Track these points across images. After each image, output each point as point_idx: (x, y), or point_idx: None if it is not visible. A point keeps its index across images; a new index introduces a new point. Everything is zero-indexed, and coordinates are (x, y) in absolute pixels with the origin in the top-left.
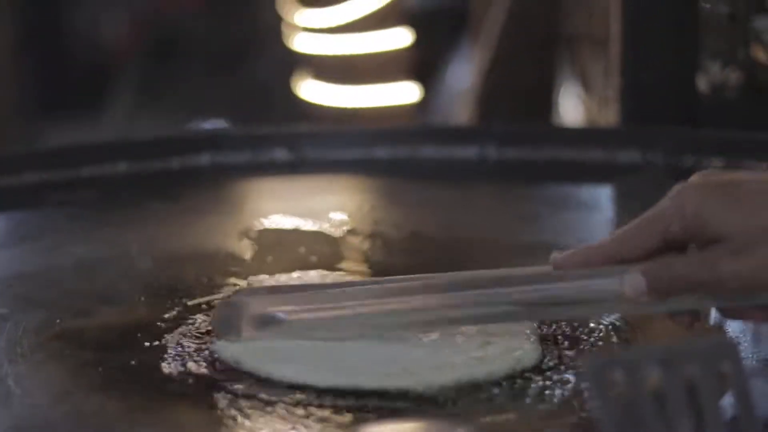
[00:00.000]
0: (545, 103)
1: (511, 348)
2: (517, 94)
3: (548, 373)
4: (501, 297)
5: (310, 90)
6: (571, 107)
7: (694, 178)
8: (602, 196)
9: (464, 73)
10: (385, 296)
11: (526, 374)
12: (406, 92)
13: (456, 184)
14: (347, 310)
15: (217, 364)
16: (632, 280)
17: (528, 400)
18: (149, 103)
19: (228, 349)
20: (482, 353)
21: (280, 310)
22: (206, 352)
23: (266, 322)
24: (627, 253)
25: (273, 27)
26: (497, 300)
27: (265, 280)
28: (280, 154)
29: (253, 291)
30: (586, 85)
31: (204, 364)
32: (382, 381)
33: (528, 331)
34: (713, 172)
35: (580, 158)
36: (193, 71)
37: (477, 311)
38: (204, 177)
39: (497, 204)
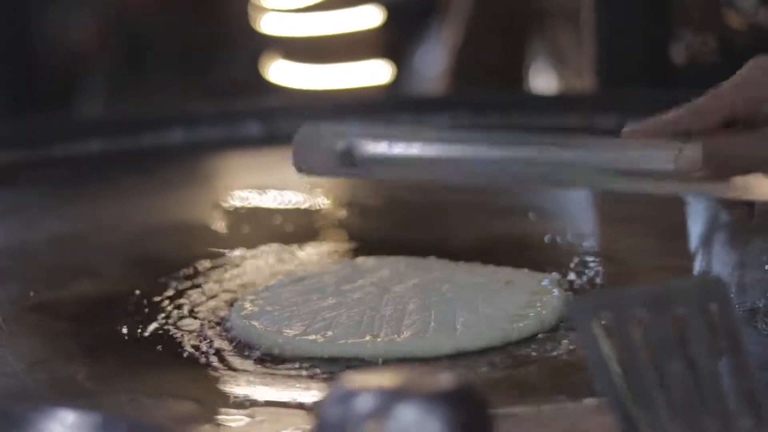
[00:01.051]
0: (517, 78)
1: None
2: (489, 71)
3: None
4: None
5: (281, 72)
6: (543, 82)
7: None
8: None
9: (435, 52)
10: (472, 143)
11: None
12: (377, 72)
13: None
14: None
15: (199, 332)
16: (688, 151)
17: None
18: (119, 103)
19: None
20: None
21: (369, 145)
22: (185, 319)
23: (355, 156)
24: (692, 126)
25: (241, 19)
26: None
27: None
28: (253, 128)
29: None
30: (558, 58)
31: (184, 332)
32: (396, 348)
33: (551, 286)
34: None
35: (556, 124)
36: (163, 69)
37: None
38: (177, 153)
39: None
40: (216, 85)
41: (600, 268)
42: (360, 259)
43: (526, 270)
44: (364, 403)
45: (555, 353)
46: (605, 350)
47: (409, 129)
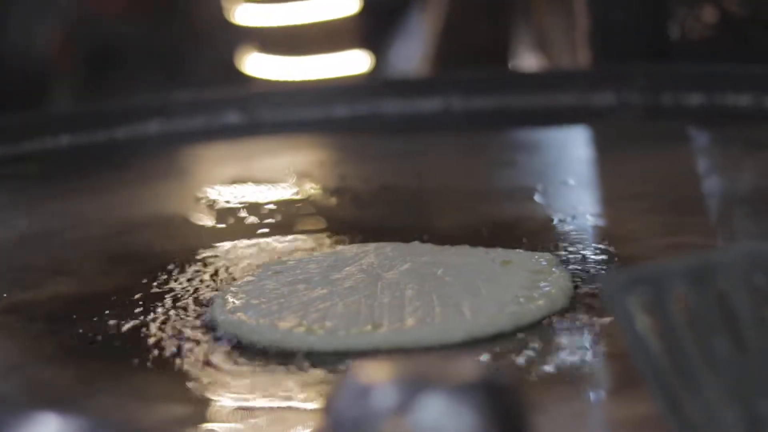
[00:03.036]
0: (503, 59)
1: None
2: (474, 53)
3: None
4: None
5: (257, 64)
6: (529, 63)
7: None
8: (579, 138)
9: (416, 37)
10: None
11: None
12: (356, 61)
13: (423, 137)
14: None
15: (184, 330)
16: None
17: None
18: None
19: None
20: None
21: None
22: (167, 316)
23: None
24: None
25: (214, 12)
26: None
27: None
28: (233, 117)
29: None
30: (544, 39)
31: (167, 331)
32: (405, 337)
33: (550, 266)
34: None
35: (551, 103)
36: (134, 70)
37: None
38: (153, 145)
39: (468, 153)
40: (191, 82)
41: (605, 247)
42: (342, 247)
43: (519, 250)
44: (383, 398)
45: (575, 337)
46: (644, 329)
47: None
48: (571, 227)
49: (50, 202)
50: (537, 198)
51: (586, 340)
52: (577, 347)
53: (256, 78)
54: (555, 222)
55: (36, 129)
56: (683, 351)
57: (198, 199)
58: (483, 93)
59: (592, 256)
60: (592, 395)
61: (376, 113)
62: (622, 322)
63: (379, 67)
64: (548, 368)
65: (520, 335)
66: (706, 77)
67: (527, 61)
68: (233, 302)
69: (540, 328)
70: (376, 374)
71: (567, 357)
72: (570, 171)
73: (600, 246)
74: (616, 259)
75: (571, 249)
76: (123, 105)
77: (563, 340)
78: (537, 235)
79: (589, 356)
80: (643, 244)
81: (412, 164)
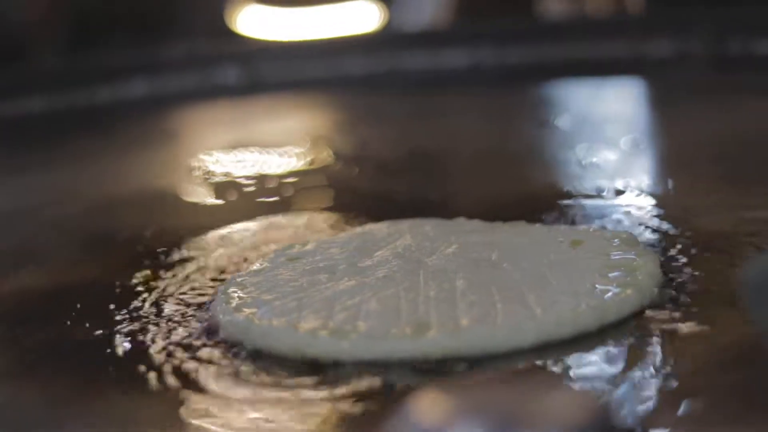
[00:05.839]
0: (529, 5)
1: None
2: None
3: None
4: None
5: (253, 20)
6: (559, 8)
7: None
8: (632, 93)
9: None
10: None
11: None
12: (366, 14)
13: (451, 94)
14: None
15: (175, 336)
16: None
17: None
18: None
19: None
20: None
21: None
22: (157, 316)
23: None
24: None
25: None
26: None
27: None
28: (231, 75)
29: None
30: None
31: (155, 337)
32: (461, 342)
33: (625, 246)
34: None
35: (598, 54)
36: (116, 26)
37: None
38: (140, 107)
39: (506, 112)
40: (182, 35)
41: (672, 223)
42: (370, 225)
43: (588, 228)
44: None
45: (678, 338)
46: None
47: None
48: (629, 198)
49: (20, 175)
50: (585, 163)
51: (693, 341)
52: (681, 351)
53: (254, 34)
54: (610, 192)
55: (5, 90)
56: None
57: (192, 170)
58: (517, 44)
59: (659, 233)
60: (705, 415)
61: (397, 69)
62: (760, 313)
63: (394, 18)
64: (645, 380)
65: (605, 336)
66: None
67: (558, 4)
68: (239, 298)
69: (629, 327)
70: (445, 410)
71: (669, 365)
72: (624, 132)
73: (665, 221)
74: (689, 235)
75: (626, 224)
76: (105, 62)
77: (661, 342)
78: (589, 207)
79: (698, 362)
80: (719, 218)
81: (441, 126)
